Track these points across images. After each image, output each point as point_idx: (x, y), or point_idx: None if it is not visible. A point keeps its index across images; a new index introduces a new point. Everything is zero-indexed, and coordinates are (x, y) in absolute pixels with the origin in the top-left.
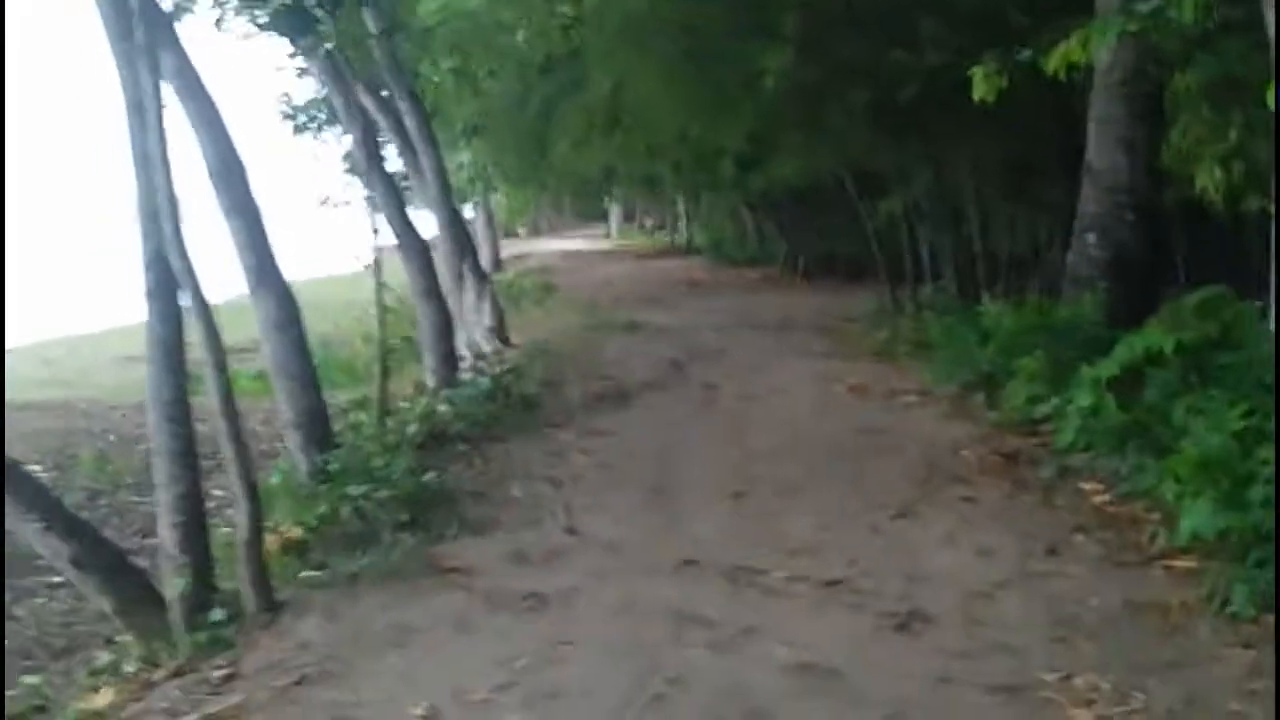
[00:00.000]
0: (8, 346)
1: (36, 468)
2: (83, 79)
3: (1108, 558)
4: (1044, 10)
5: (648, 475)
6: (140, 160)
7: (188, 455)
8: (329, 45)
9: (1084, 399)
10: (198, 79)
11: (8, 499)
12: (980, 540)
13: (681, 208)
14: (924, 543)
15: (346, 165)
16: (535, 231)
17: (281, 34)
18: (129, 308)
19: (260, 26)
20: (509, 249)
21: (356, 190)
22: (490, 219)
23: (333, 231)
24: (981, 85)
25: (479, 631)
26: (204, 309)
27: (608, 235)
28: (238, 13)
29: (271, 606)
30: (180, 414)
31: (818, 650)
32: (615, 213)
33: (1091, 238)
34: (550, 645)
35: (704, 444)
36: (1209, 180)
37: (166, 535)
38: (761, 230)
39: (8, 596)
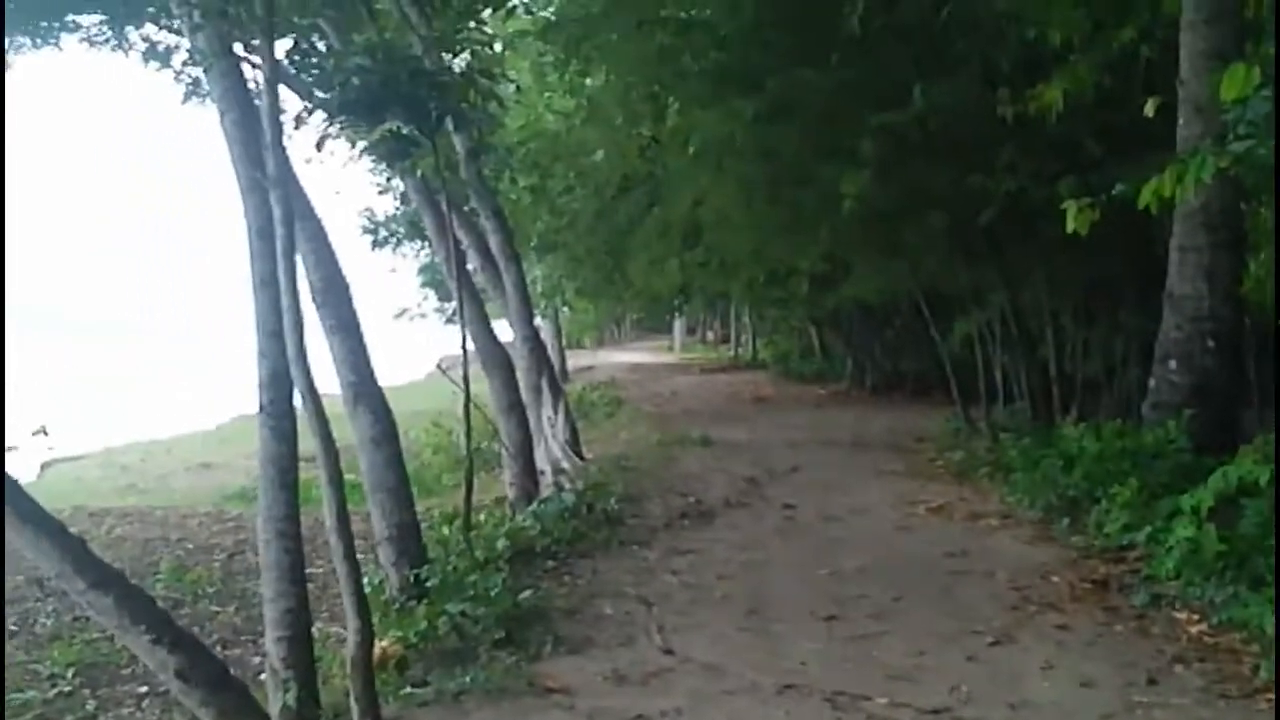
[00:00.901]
0: (83, 450)
1: None
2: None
3: (1209, 689)
4: (1117, 140)
5: (738, 595)
6: (263, 281)
7: (296, 570)
8: (421, 169)
9: (1184, 529)
10: (305, 200)
11: (116, 609)
12: (1080, 669)
13: (747, 322)
14: (1023, 671)
15: (423, 278)
16: (599, 344)
17: (381, 159)
18: (199, 416)
19: (362, 151)
20: (574, 361)
21: (431, 303)
22: (558, 332)
23: (403, 341)
24: (1075, 219)
25: None
26: (324, 425)
27: (671, 348)
28: (338, 137)
29: None
30: (292, 530)
31: None
32: (679, 326)
33: (1173, 364)
34: None
35: (790, 564)
36: None
37: (273, 649)
38: (826, 346)
39: (93, 705)
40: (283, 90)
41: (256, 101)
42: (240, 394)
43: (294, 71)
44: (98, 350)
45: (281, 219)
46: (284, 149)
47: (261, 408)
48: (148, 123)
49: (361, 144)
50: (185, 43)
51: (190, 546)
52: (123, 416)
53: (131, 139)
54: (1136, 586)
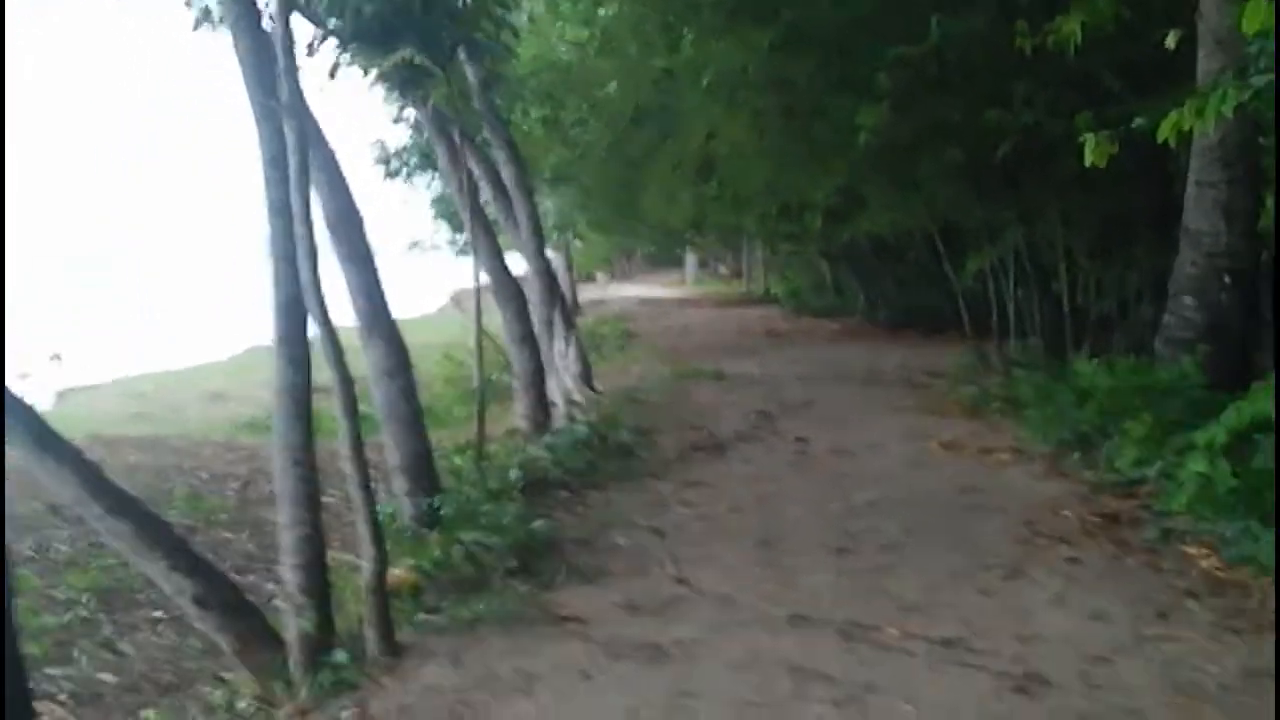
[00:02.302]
0: (97, 380)
1: None
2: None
3: (1220, 624)
4: (1136, 73)
5: (750, 528)
6: (276, 209)
7: (312, 499)
8: (434, 99)
9: (1197, 464)
10: (318, 129)
11: (134, 534)
12: (1090, 603)
13: (759, 256)
14: (1034, 604)
15: (435, 210)
16: (611, 277)
17: (393, 88)
18: (213, 347)
19: (375, 81)
20: (585, 294)
21: (443, 235)
22: (569, 265)
23: (414, 274)
24: (1093, 152)
25: (603, 681)
26: (339, 354)
27: (683, 282)
28: (350, 64)
29: (394, 650)
30: (306, 459)
31: (941, 710)
32: (691, 260)
33: (1188, 300)
34: (676, 696)
35: (802, 498)
36: None
37: (289, 576)
38: (839, 281)
39: (110, 630)
40: (295, 18)
41: (269, 28)
42: (253, 325)
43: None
44: (111, 282)
45: (294, 146)
46: (297, 76)
47: (276, 337)
48: (162, 52)
49: (374, 73)
50: None
51: (204, 475)
52: (137, 347)
53: (145, 68)
54: (1147, 521)
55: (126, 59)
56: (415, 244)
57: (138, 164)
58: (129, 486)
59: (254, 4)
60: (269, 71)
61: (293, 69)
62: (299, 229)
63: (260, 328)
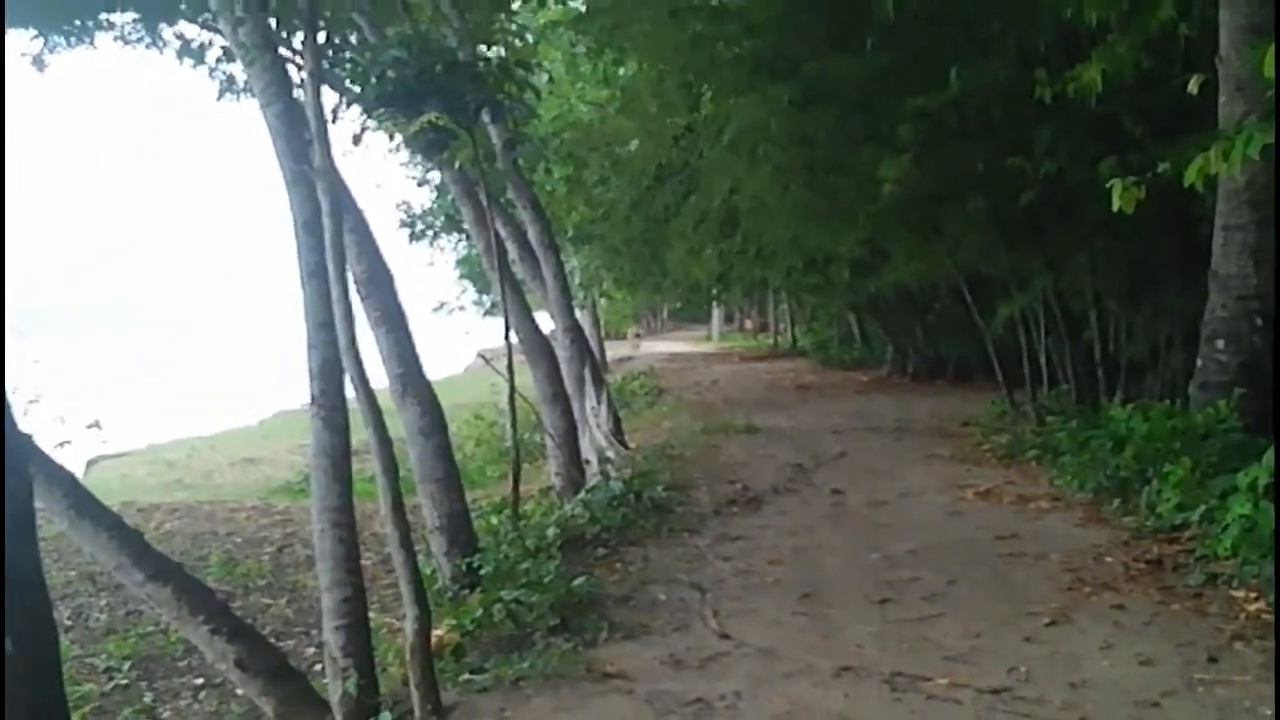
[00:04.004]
0: (128, 449)
1: None
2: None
3: (1271, 666)
4: (1158, 119)
5: (791, 580)
6: (311, 273)
7: (351, 560)
8: (460, 161)
9: (1241, 506)
10: (348, 192)
11: (175, 600)
12: (1138, 648)
13: (785, 310)
14: (1082, 651)
15: (460, 271)
16: (639, 335)
17: (419, 151)
18: (243, 412)
19: (401, 144)
20: (613, 352)
21: (469, 295)
22: (596, 322)
23: (441, 335)
24: (1120, 197)
25: None
26: (378, 415)
27: (709, 337)
28: (376, 129)
29: (439, 711)
30: (346, 520)
31: None
32: (717, 315)
33: (1220, 344)
34: None
35: (841, 549)
36: None
37: (331, 638)
38: (866, 333)
39: (151, 698)
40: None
41: (297, 95)
42: (282, 390)
43: (329, 65)
44: (142, 346)
45: (329, 210)
46: (328, 141)
47: (313, 399)
48: (187, 119)
49: (400, 137)
50: (219, 39)
51: (239, 540)
52: (166, 413)
53: (169, 135)
54: (1191, 566)
55: (160, 122)
56: (442, 305)
57: (167, 230)
58: (165, 553)
59: (286, 74)
60: (300, 138)
61: (325, 135)
62: (335, 292)
63: (289, 392)
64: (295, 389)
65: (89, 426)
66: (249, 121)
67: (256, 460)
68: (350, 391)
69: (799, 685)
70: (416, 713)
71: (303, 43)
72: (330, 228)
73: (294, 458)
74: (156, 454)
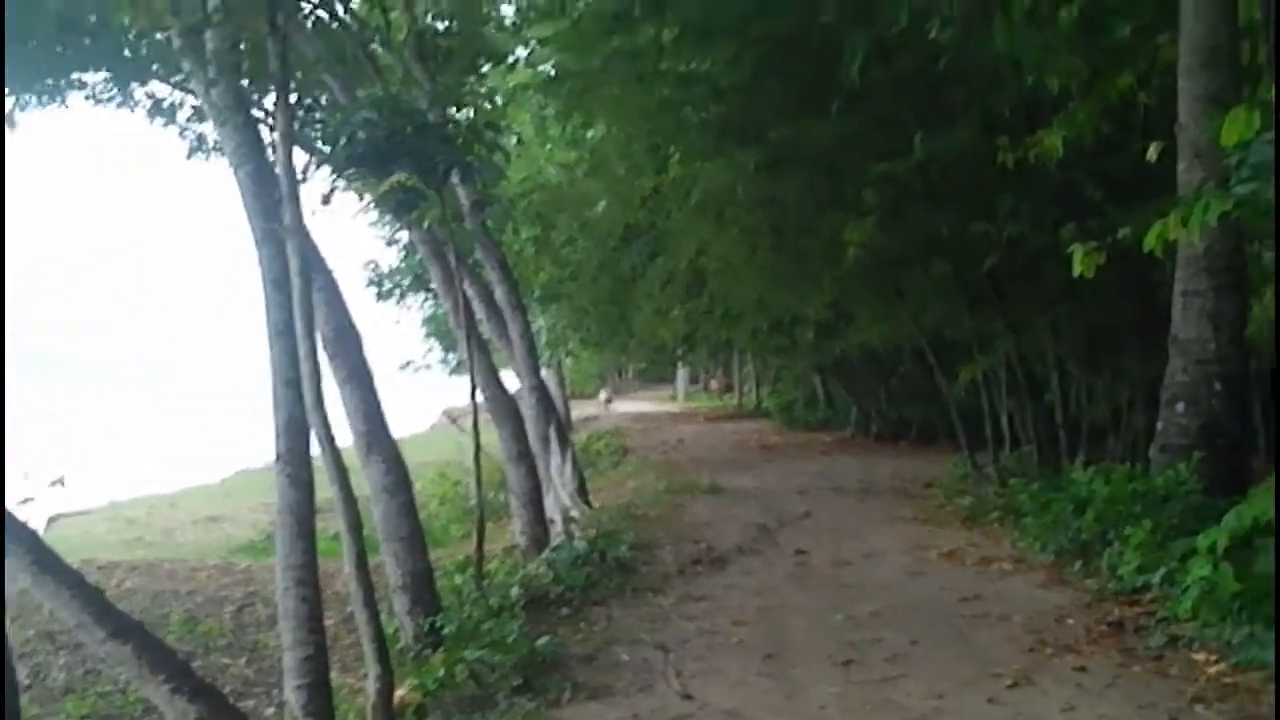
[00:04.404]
0: (87, 506)
1: None
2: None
3: None
4: (1118, 185)
5: (754, 641)
6: (279, 331)
7: (314, 619)
8: (428, 221)
9: (1200, 569)
10: (317, 251)
11: (136, 659)
12: (1100, 710)
13: (750, 371)
14: (1044, 713)
15: (426, 330)
16: (609, 396)
17: (388, 211)
18: (203, 470)
19: (369, 204)
20: (577, 411)
21: (435, 354)
22: (562, 382)
23: (406, 393)
24: (1081, 262)
25: None
26: (343, 473)
27: (674, 397)
28: (345, 189)
29: None
30: (310, 578)
31: None
32: (682, 375)
33: (1180, 407)
34: None
35: (805, 610)
36: None
37: (292, 697)
38: (830, 394)
39: None
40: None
41: (268, 155)
42: (242, 448)
43: (299, 126)
44: (99, 400)
45: (298, 269)
46: (299, 201)
47: (278, 456)
48: (152, 173)
49: (369, 197)
50: (189, 99)
51: (200, 599)
52: (127, 469)
53: (132, 188)
54: (1153, 628)
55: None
56: (408, 363)
57: (131, 279)
58: (125, 611)
59: (257, 134)
60: (270, 197)
61: (295, 195)
62: (302, 349)
63: (251, 450)
64: (258, 447)
65: (53, 484)
66: (217, 180)
67: (218, 518)
68: (315, 449)
69: None
70: None
71: (275, 104)
72: (299, 286)
73: (256, 516)
74: (117, 511)
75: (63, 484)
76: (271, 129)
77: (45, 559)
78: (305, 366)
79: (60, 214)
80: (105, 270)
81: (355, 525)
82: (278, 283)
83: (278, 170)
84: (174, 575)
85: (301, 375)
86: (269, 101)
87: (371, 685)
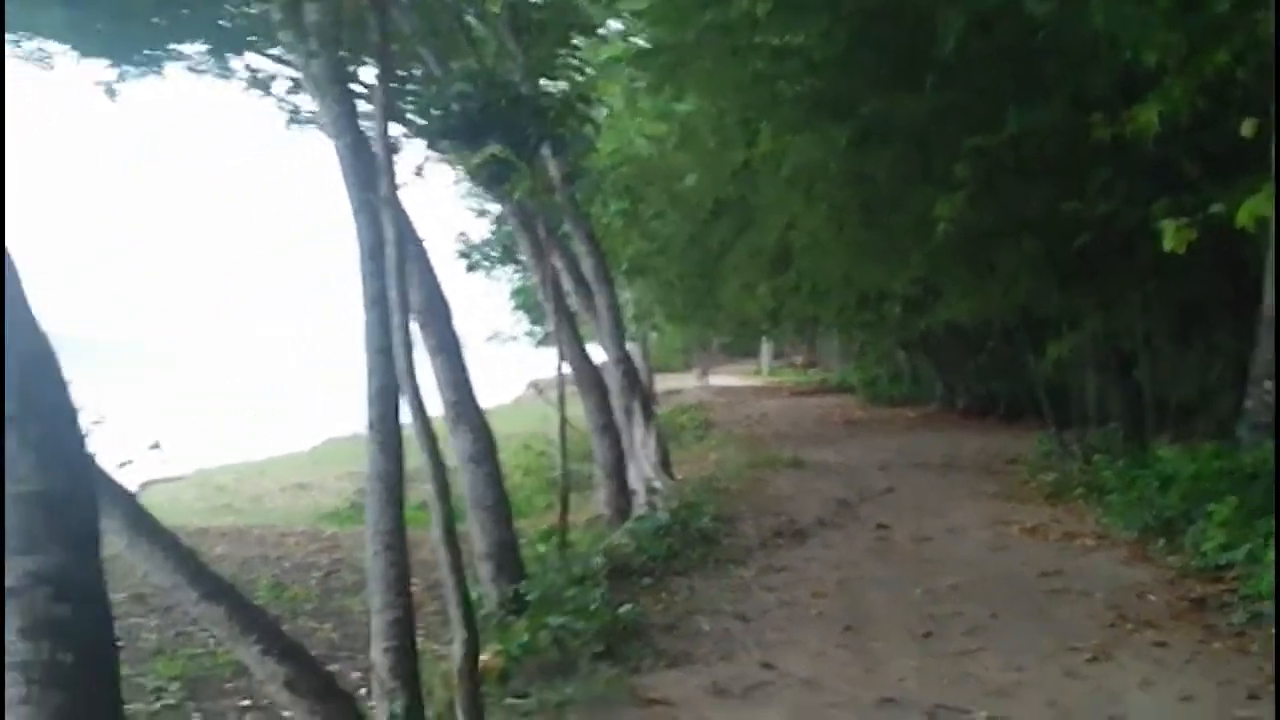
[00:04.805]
0: (178, 472)
1: None
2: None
3: None
4: (1214, 161)
5: (834, 612)
6: (373, 300)
7: (402, 583)
8: (519, 193)
9: None
10: (409, 221)
11: (228, 619)
12: (1179, 685)
13: (835, 346)
14: (1122, 687)
15: (515, 302)
16: (703, 371)
17: (480, 183)
18: (292, 438)
19: (463, 176)
20: (661, 385)
21: (522, 326)
22: (646, 355)
23: (492, 364)
24: (1172, 238)
25: None
26: (433, 441)
27: (759, 372)
28: (438, 161)
29: None
30: (398, 543)
31: None
32: (766, 349)
33: (1269, 384)
34: None
35: (885, 583)
36: None
37: (379, 660)
38: (916, 369)
39: (198, 717)
40: None
41: (364, 125)
42: (332, 417)
43: (395, 99)
44: (188, 377)
45: (393, 240)
46: (394, 172)
47: (370, 423)
48: (236, 151)
49: (461, 169)
50: (287, 71)
51: (287, 565)
52: (217, 441)
53: (215, 166)
54: (1235, 605)
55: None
56: (495, 335)
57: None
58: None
59: (354, 106)
60: (366, 168)
61: (391, 165)
62: (396, 319)
63: (338, 419)
64: (347, 416)
65: (151, 447)
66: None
67: (306, 486)
68: (405, 418)
69: (841, 715)
70: None
71: (375, 77)
72: (394, 256)
73: (342, 484)
74: (206, 478)
75: (159, 448)
76: (368, 100)
77: (141, 521)
78: (398, 336)
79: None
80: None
81: (444, 493)
82: (372, 252)
83: (375, 142)
84: (263, 541)
85: (394, 344)
86: (364, 74)
87: (458, 649)
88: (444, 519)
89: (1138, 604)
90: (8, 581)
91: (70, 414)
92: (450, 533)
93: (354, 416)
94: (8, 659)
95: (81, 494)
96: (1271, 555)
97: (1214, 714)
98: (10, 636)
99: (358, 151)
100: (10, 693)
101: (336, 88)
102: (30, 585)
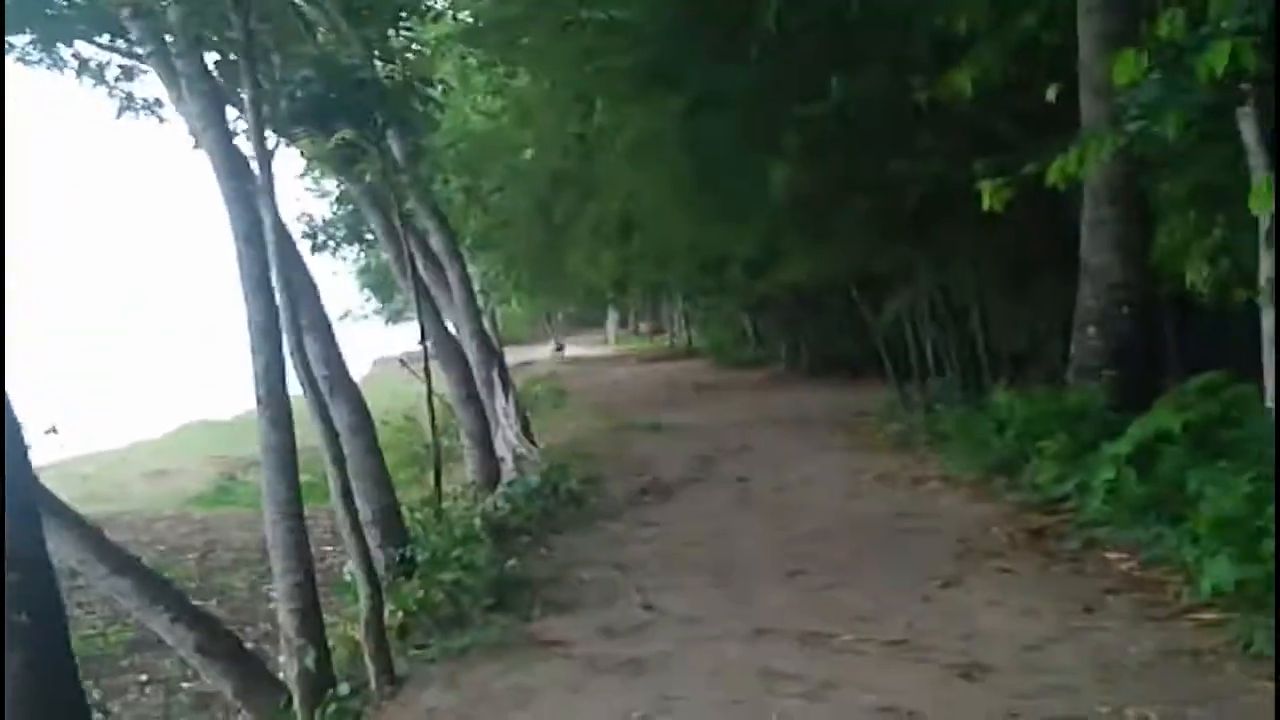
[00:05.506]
0: (40, 463)
1: None
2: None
3: (1139, 614)
4: (1029, 121)
5: (705, 559)
6: (256, 284)
7: (302, 548)
8: (369, 175)
9: (1105, 473)
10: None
11: (137, 591)
12: (1023, 603)
13: (680, 312)
14: (972, 607)
15: (362, 281)
16: (558, 342)
17: (332, 167)
18: (146, 424)
19: (312, 160)
20: (511, 357)
21: (372, 305)
22: (495, 328)
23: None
24: (990, 197)
25: (591, 691)
26: (324, 411)
27: (606, 341)
28: (289, 146)
29: (393, 680)
30: (295, 510)
31: (897, 695)
32: (613, 318)
33: (1092, 330)
34: (660, 700)
35: (750, 531)
36: (1196, 276)
37: (285, 621)
38: (760, 332)
39: (99, 695)
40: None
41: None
42: (185, 402)
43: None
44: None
45: (272, 225)
46: (270, 161)
47: (259, 400)
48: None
49: (308, 153)
50: (117, 59)
51: (162, 548)
52: (71, 427)
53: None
54: (1071, 534)
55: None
56: (345, 314)
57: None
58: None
59: (220, 99)
60: (235, 157)
61: (266, 154)
62: (279, 299)
63: (193, 404)
64: (202, 401)
65: (47, 432)
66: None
67: (167, 472)
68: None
69: (722, 645)
70: (372, 683)
71: (243, 72)
72: (274, 241)
73: (205, 469)
74: (69, 468)
75: (56, 432)
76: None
77: (48, 501)
78: (283, 316)
79: None
80: None
81: (339, 458)
82: (249, 238)
83: (245, 133)
84: (133, 527)
85: (281, 323)
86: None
87: (363, 603)
88: (340, 483)
89: (983, 537)
90: None
91: (7, 406)
92: (348, 494)
93: (211, 401)
94: None
95: (20, 473)
96: (1097, 479)
97: (1053, 626)
98: None
99: (225, 143)
100: None
101: (204, 83)
102: None
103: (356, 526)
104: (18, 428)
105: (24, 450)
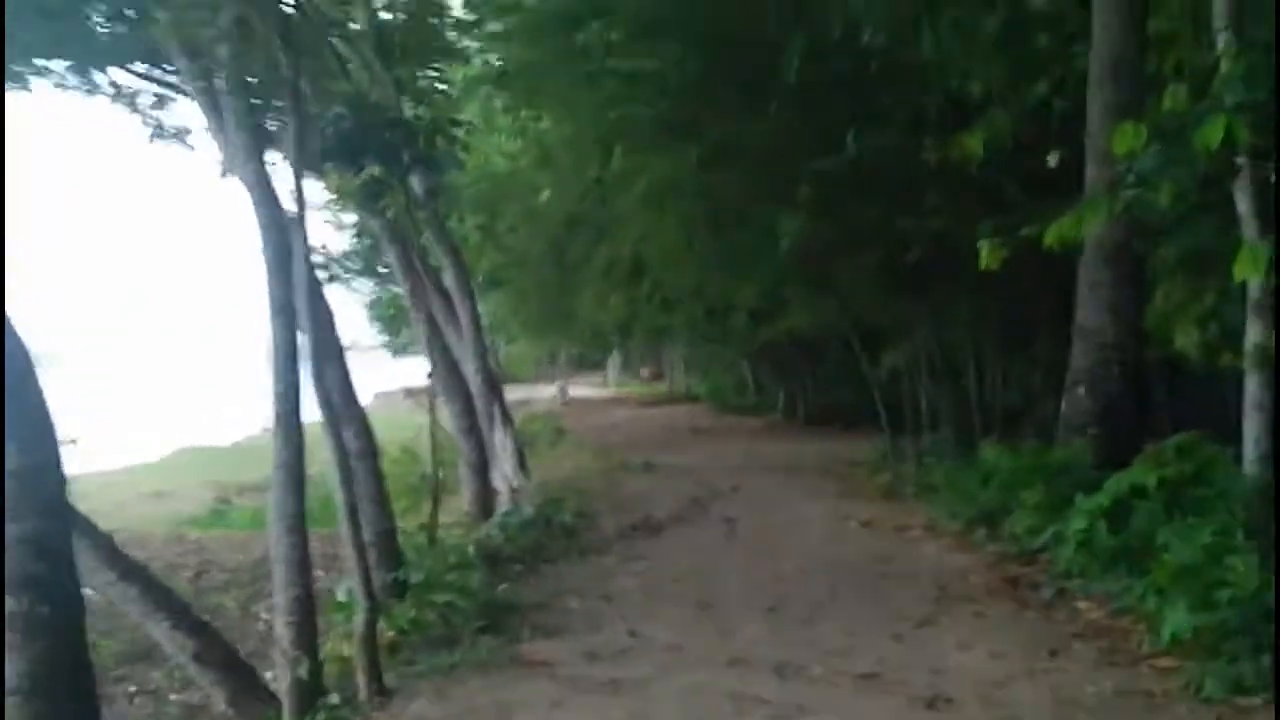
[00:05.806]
0: None
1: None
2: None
3: (1101, 659)
4: (1035, 184)
5: (689, 593)
6: (280, 309)
7: (304, 564)
8: (391, 211)
9: (1079, 524)
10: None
11: (141, 597)
12: (991, 645)
13: (681, 357)
14: (942, 647)
15: (372, 314)
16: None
17: (358, 202)
18: (139, 449)
19: (339, 195)
20: (510, 395)
21: (379, 337)
22: (497, 365)
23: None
24: (988, 256)
25: (572, 707)
26: (337, 435)
27: (606, 383)
28: (318, 180)
29: (383, 691)
30: (300, 526)
31: None
32: (614, 361)
33: (1082, 390)
34: (636, 716)
35: (734, 569)
36: (1187, 340)
37: (282, 632)
38: (760, 380)
39: None
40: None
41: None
42: (180, 428)
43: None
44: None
45: (303, 255)
46: (304, 193)
47: (276, 419)
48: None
49: (334, 187)
50: (150, 86)
51: (157, 565)
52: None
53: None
54: (1045, 584)
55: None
56: (352, 344)
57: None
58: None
59: (264, 140)
60: (270, 189)
61: (301, 188)
62: (305, 325)
63: (187, 431)
64: (200, 426)
65: (68, 443)
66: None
67: (164, 494)
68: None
69: (699, 672)
70: (362, 694)
71: (290, 113)
72: (303, 270)
73: (202, 492)
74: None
75: (74, 443)
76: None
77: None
78: (309, 341)
79: None
80: None
81: (349, 480)
82: (279, 265)
83: (291, 168)
84: (129, 544)
85: (302, 349)
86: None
87: (360, 616)
88: (348, 503)
89: (959, 583)
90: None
91: (44, 407)
92: (354, 513)
93: (210, 426)
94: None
95: (52, 470)
96: (1069, 530)
97: (1019, 666)
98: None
99: (262, 175)
100: None
101: (249, 119)
102: (13, 546)
103: (359, 545)
104: (51, 426)
105: (57, 447)
